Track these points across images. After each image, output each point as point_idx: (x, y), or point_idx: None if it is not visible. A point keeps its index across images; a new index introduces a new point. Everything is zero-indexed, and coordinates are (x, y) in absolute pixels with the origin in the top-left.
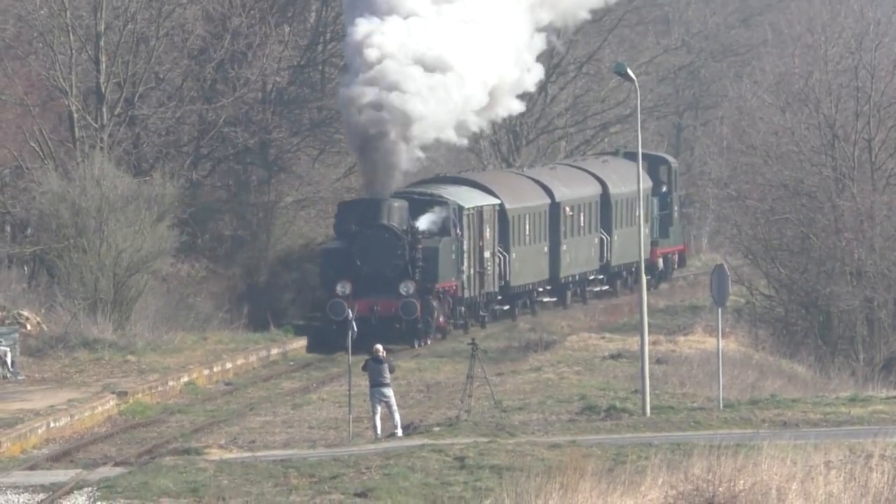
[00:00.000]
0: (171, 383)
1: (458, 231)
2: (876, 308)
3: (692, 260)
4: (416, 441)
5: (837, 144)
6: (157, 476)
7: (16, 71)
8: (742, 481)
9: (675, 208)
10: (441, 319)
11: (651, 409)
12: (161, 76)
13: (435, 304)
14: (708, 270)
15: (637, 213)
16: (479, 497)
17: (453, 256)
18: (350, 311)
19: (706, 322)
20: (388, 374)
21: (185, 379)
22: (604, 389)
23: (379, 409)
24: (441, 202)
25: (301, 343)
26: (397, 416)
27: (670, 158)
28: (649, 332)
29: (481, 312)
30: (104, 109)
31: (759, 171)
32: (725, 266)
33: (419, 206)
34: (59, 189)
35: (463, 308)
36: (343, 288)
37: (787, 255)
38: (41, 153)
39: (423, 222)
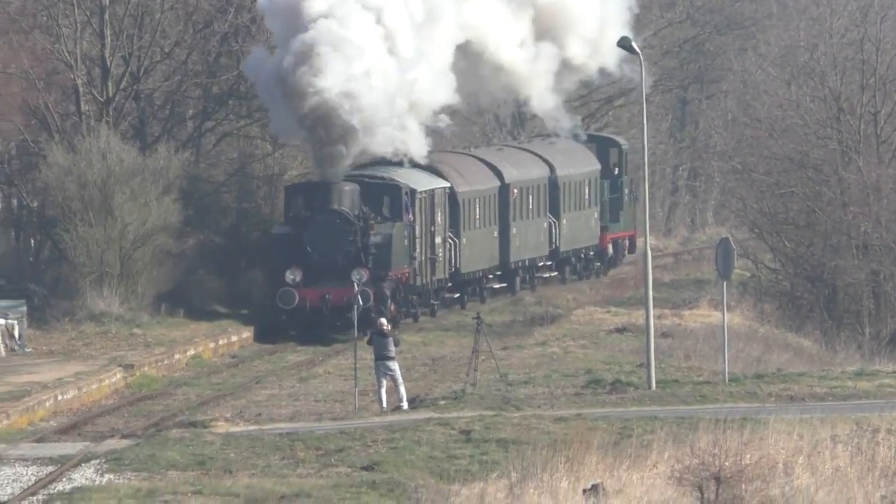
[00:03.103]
0: (177, 356)
1: (410, 216)
2: (882, 281)
3: (697, 234)
4: (421, 414)
5: (843, 117)
6: (165, 448)
7: (21, 44)
8: (748, 455)
9: (626, 192)
10: (393, 308)
11: (656, 382)
12: (166, 50)
13: (388, 292)
14: (713, 244)
15: (586, 196)
16: (485, 470)
17: (406, 243)
18: (356, 284)
19: (711, 296)
20: (393, 348)
21: (192, 352)
22: (609, 363)
23: (384, 382)
24: (393, 186)
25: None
26: (402, 390)
27: (621, 140)
28: (654, 306)
29: (432, 300)
30: (109, 83)
31: (764, 145)
32: (731, 240)
33: (370, 189)
34: (65, 163)
35: (415, 296)
36: (293, 275)
37: (792, 228)
38: (46, 127)
39: (375, 207)
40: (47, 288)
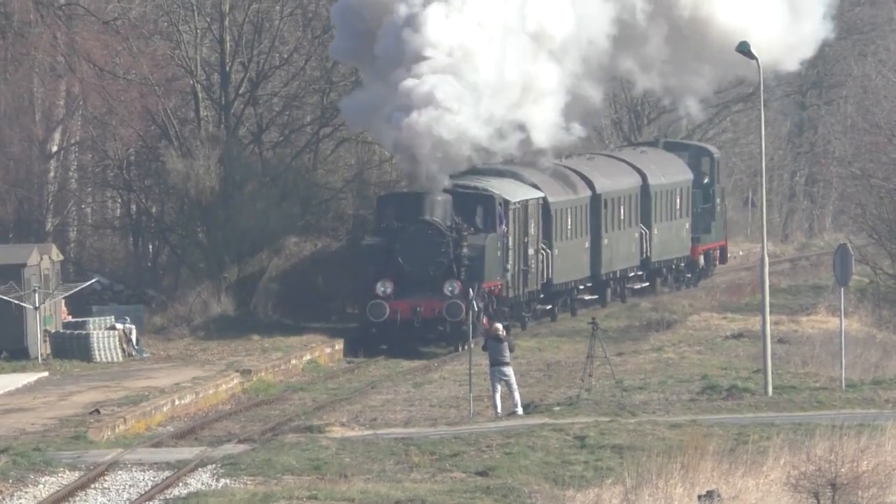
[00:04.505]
0: (293, 361)
1: (503, 227)
2: None
3: (815, 240)
4: (536, 420)
5: None
6: (281, 453)
7: (141, 50)
8: (865, 462)
9: (718, 201)
10: (485, 321)
11: (773, 388)
12: (284, 56)
13: (480, 305)
14: (831, 250)
15: (678, 206)
16: (599, 476)
17: (499, 254)
18: (472, 290)
19: (829, 302)
20: (507, 353)
21: (308, 357)
22: (725, 369)
23: (499, 387)
24: (487, 196)
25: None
26: (517, 395)
27: (713, 149)
28: (771, 312)
29: (523, 313)
30: (228, 89)
31: (883, 150)
32: (849, 245)
33: (463, 200)
34: (184, 168)
35: (507, 309)
36: (384, 287)
37: None
38: (165, 133)
39: (468, 217)
40: (165, 293)
